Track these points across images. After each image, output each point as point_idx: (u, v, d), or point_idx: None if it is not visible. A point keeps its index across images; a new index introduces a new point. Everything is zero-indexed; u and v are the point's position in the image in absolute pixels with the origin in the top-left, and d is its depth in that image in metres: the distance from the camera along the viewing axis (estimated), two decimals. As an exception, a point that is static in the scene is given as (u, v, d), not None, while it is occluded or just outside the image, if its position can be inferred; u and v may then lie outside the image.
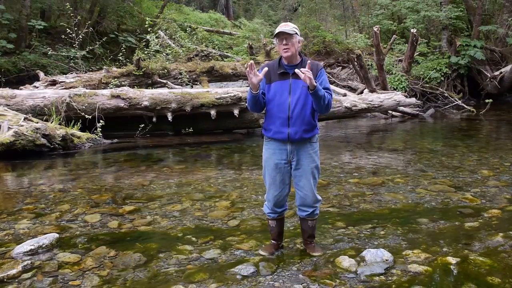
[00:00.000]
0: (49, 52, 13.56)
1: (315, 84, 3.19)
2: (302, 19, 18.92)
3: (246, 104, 3.57)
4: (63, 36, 13.19)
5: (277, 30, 3.35)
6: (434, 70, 15.10)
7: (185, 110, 9.16)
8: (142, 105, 8.97)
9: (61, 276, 3.27)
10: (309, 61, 3.26)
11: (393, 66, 14.97)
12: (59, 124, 8.26)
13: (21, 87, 10.21)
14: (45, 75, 12.00)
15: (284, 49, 3.32)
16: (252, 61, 3.27)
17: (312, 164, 3.48)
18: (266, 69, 3.32)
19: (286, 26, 3.34)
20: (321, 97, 3.26)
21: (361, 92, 13.14)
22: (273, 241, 3.72)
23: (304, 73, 3.13)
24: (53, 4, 19.70)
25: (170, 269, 3.39)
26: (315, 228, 3.71)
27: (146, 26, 15.51)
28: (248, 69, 3.25)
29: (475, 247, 3.76)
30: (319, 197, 3.62)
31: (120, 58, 13.03)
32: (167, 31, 17.18)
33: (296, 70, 3.19)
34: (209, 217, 4.58)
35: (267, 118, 3.47)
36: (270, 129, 3.45)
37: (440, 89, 15.04)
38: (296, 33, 3.33)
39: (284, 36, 3.31)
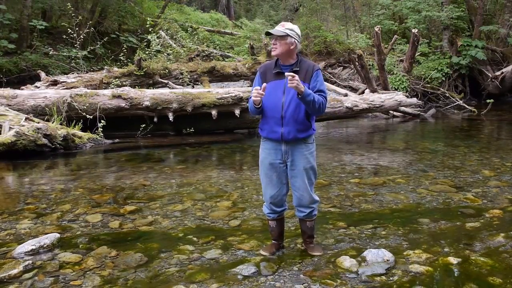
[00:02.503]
0: (51, 52, 13.57)
1: (303, 90, 3.21)
2: (303, 19, 18.90)
3: (251, 113, 3.60)
4: (64, 36, 13.19)
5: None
6: (435, 70, 15.08)
7: (186, 110, 9.16)
8: (143, 105, 8.97)
9: (62, 276, 3.28)
10: (295, 70, 3.30)
11: (394, 66, 14.95)
12: (60, 124, 8.26)
13: (23, 87, 10.20)
14: (47, 75, 11.99)
15: (272, 48, 3.41)
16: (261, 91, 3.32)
17: (307, 165, 3.47)
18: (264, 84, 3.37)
19: (280, 27, 3.39)
20: (310, 101, 3.26)
21: (362, 92, 13.13)
22: (274, 241, 3.73)
23: (291, 80, 3.17)
24: (54, 4, 19.69)
25: (171, 269, 3.39)
26: (314, 228, 3.71)
27: (147, 26, 15.53)
28: (257, 96, 3.32)
29: (476, 248, 3.75)
30: (316, 198, 3.61)
31: (121, 58, 13.03)
32: (168, 31, 17.18)
33: (286, 74, 3.22)
34: (210, 217, 4.58)
35: (262, 118, 3.49)
36: (265, 128, 3.47)
37: (441, 89, 15.03)
38: (288, 35, 3.33)
39: (273, 36, 3.38)
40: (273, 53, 3.40)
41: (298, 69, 3.37)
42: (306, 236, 3.70)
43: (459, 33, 16.50)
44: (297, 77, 3.18)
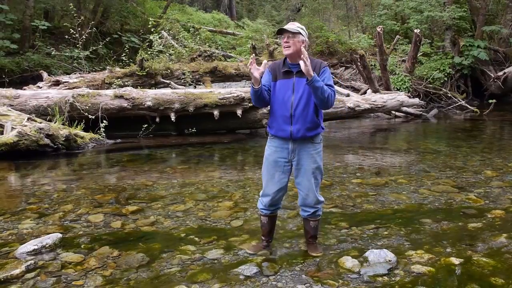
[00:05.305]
0: (53, 53, 13.58)
1: (312, 74, 3.20)
2: (305, 19, 18.91)
3: (252, 103, 3.61)
4: (66, 37, 13.19)
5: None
6: (438, 71, 15.07)
7: (188, 110, 9.17)
8: (145, 105, 8.98)
9: (64, 276, 3.28)
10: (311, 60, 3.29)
11: (396, 67, 14.95)
12: (63, 124, 8.28)
13: (25, 87, 10.22)
14: (49, 75, 12.00)
15: (285, 46, 3.37)
16: (253, 55, 3.35)
17: (313, 165, 3.48)
18: (265, 61, 3.36)
19: (291, 25, 3.39)
20: (319, 88, 3.23)
21: (364, 93, 13.13)
22: (262, 237, 3.76)
23: (304, 61, 3.16)
24: (56, 4, 19.72)
25: (173, 269, 3.39)
26: (317, 229, 3.71)
27: (149, 26, 15.51)
28: (249, 63, 3.28)
29: (478, 248, 3.75)
30: (321, 198, 3.62)
31: (123, 58, 13.01)
32: (170, 31, 17.16)
33: (300, 62, 3.20)
34: (212, 217, 4.58)
35: (271, 116, 3.52)
36: (273, 126, 3.49)
37: (443, 89, 15.03)
38: (300, 33, 3.37)
39: (286, 33, 3.36)
40: (286, 52, 3.36)
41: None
42: (309, 236, 3.70)
43: (461, 33, 16.50)
44: (308, 61, 3.18)
